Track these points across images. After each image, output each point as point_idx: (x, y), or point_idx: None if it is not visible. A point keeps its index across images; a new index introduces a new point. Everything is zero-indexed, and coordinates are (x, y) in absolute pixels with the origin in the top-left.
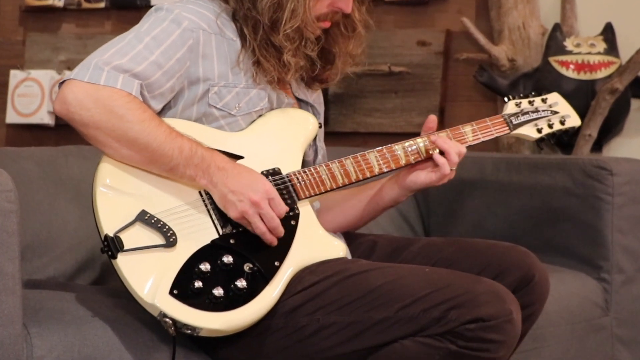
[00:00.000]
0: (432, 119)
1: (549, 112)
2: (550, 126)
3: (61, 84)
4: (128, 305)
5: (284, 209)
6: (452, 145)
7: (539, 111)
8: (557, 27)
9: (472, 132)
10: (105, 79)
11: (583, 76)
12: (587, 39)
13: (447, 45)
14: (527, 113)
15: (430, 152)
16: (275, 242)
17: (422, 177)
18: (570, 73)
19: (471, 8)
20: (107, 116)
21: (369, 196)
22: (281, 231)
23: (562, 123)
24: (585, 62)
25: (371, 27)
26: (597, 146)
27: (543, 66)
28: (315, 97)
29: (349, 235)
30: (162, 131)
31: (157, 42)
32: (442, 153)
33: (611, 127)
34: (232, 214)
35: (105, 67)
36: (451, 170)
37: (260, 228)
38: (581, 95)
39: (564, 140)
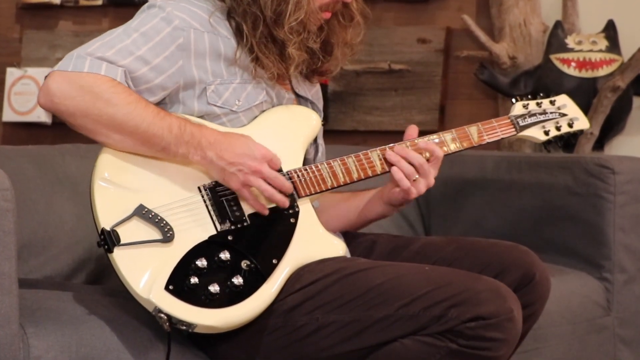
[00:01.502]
0: (413, 128)
1: (557, 114)
2: (557, 128)
3: (46, 78)
4: (125, 304)
5: (278, 163)
6: (403, 157)
7: (546, 113)
8: (558, 25)
9: (478, 133)
10: (88, 66)
11: (585, 74)
12: (588, 36)
13: (448, 42)
14: (534, 115)
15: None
16: (286, 202)
17: (397, 191)
18: (571, 71)
19: (472, 5)
20: (93, 102)
21: (358, 207)
22: (289, 186)
23: (570, 125)
24: (587, 60)
25: (369, 15)
26: (599, 144)
27: (544, 64)
28: (314, 93)
29: (348, 235)
30: (150, 112)
31: (145, 38)
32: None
33: (613, 125)
34: (234, 185)
35: (88, 57)
36: (414, 180)
37: (267, 190)
38: (583, 93)
39: (571, 142)
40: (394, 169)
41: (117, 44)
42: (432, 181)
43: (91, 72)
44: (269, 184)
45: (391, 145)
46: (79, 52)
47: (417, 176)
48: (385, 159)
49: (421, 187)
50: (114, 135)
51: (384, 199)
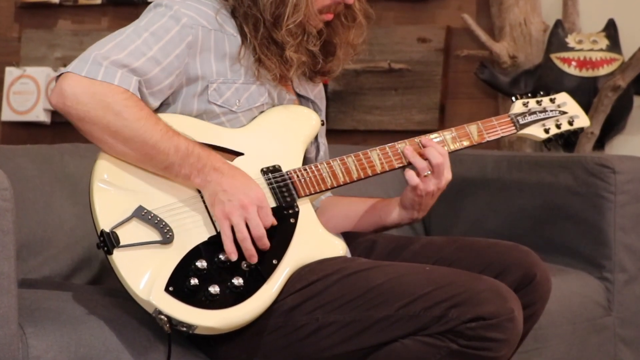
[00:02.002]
0: None
1: (557, 112)
2: (558, 126)
3: (58, 76)
4: (124, 304)
5: (271, 220)
6: (429, 153)
7: (546, 111)
8: (558, 24)
9: (478, 132)
10: (103, 74)
11: (585, 73)
12: (589, 35)
13: (448, 42)
14: (534, 113)
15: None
16: (254, 256)
17: (407, 190)
18: (572, 70)
19: (472, 4)
20: (104, 112)
21: (377, 210)
22: (266, 244)
23: (570, 123)
24: (588, 59)
25: (371, 15)
26: (600, 144)
27: (545, 63)
28: (317, 92)
29: (349, 234)
30: (159, 130)
31: (155, 38)
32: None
33: (614, 125)
34: (218, 212)
35: (103, 62)
36: (425, 176)
37: (242, 232)
38: (583, 93)
39: (571, 140)
40: (406, 169)
41: (129, 45)
42: (442, 184)
43: (105, 80)
44: (249, 229)
45: (391, 144)
46: (94, 55)
47: (428, 172)
48: (403, 153)
49: (430, 185)
50: (119, 147)
51: (400, 202)
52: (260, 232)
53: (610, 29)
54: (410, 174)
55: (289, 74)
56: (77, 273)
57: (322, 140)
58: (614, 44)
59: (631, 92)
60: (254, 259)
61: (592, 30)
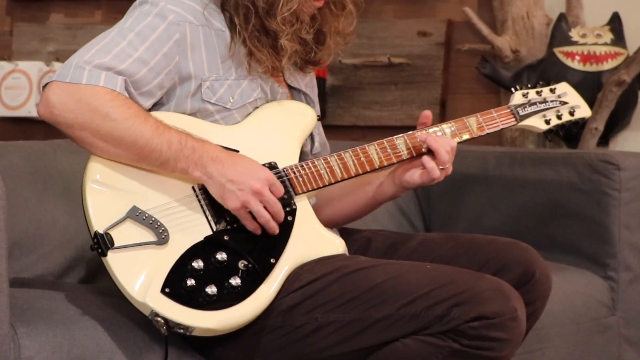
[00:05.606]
0: (425, 115)
1: (558, 102)
2: (559, 117)
3: (44, 87)
4: (119, 304)
5: (282, 191)
6: (441, 144)
7: (547, 102)
8: (562, 17)
9: (477, 124)
10: (87, 77)
11: (589, 67)
12: (593, 29)
13: (449, 35)
14: (534, 104)
15: (423, 150)
16: (277, 229)
17: (416, 176)
18: (575, 64)
19: None
20: (91, 116)
21: (367, 192)
22: (282, 215)
23: (571, 114)
24: (592, 53)
25: (360, 4)
26: (604, 140)
27: (548, 57)
28: (307, 82)
29: (343, 232)
30: (149, 127)
31: (141, 38)
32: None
33: (618, 120)
34: (232, 204)
35: (86, 67)
36: (442, 169)
37: (264, 216)
38: (587, 87)
39: (573, 131)
40: (426, 158)
41: (114, 48)
42: (450, 171)
43: (89, 83)
44: (267, 209)
45: (389, 138)
46: (77, 61)
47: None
48: (424, 141)
49: (442, 176)
50: (112, 149)
51: (396, 182)
52: (277, 208)
53: (615, 23)
54: (432, 165)
55: (281, 64)
56: (71, 272)
57: (317, 132)
58: (619, 38)
59: (636, 87)
60: (277, 231)
61: (596, 24)
